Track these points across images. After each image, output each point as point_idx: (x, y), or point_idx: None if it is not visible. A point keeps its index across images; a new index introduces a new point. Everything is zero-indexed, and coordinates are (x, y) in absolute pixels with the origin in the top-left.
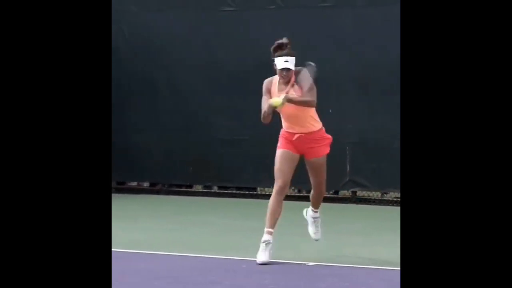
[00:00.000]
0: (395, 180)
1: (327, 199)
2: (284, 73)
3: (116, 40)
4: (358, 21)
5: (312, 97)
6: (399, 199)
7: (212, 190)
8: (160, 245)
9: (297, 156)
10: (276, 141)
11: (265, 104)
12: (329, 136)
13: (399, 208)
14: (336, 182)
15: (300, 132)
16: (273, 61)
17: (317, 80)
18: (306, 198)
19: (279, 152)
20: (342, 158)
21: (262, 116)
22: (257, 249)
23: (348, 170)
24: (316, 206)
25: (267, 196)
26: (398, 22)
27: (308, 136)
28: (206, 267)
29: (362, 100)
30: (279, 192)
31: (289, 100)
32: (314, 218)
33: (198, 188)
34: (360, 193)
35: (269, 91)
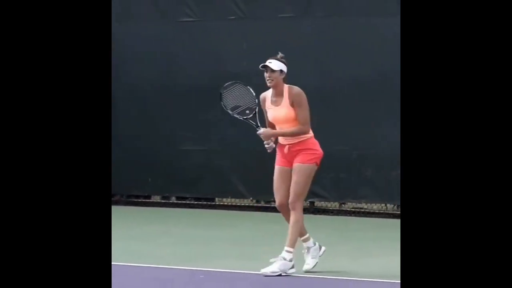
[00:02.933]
0: (353, 191)
1: None
2: (267, 75)
3: None
4: (317, 31)
5: (300, 127)
6: (357, 210)
7: (170, 201)
8: (119, 257)
9: (291, 170)
10: (233, 153)
11: (266, 117)
12: (318, 150)
13: (357, 218)
14: None
15: (288, 142)
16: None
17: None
18: (266, 209)
19: (275, 169)
20: None
21: None
22: (215, 258)
23: None
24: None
25: (225, 207)
26: (358, 32)
27: (296, 146)
28: (165, 277)
29: (322, 111)
30: (280, 210)
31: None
32: (306, 247)
33: (156, 198)
34: (318, 204)
35: (264, 106)
